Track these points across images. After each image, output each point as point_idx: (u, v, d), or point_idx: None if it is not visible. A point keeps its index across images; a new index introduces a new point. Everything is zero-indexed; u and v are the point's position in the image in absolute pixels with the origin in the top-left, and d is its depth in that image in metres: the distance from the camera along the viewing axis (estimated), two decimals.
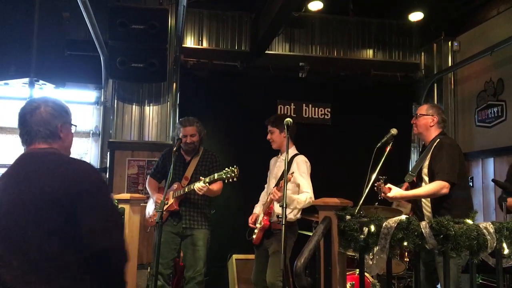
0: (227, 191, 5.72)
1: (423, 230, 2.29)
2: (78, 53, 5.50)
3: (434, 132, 3.45)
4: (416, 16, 5.87)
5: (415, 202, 3.42)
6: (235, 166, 3.93)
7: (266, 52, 5.94)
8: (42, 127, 1.96)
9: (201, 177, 3.95)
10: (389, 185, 3.15)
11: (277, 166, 4.17)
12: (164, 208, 3.98)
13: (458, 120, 6.10)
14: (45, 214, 1.76)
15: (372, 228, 2.38)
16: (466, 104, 5.97)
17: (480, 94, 5.69)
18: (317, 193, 3.72)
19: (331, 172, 5.65)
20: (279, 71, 6.04)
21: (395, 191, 3.15)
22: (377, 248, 2.38)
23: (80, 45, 5.49)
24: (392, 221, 2.36)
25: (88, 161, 5.96)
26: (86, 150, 6.01)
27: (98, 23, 4.75)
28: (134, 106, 5.70)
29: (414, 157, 6.36)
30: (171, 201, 4.05)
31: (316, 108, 6.16)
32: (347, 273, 3.26)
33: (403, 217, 2.39)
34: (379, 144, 3.15)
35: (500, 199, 3.38)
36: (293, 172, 3.77)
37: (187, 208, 4.09)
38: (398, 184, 3.27)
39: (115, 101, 5.66)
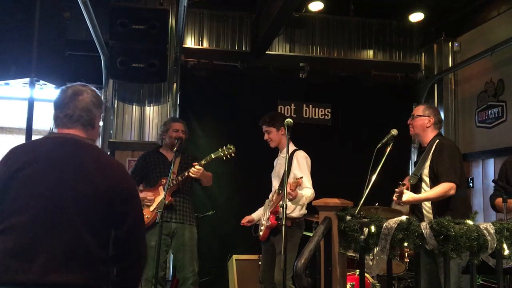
0: (227, 192, 5.74)
1: (423, 231, 2.29)
2: (79, 53, 5.50)
3: (431, 133, 3.46)
4: (416, 17, 5.87)
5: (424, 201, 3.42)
6: (230, 144, 3.97)
7: (267, 52, 5.94)
8: (84, 113, 1.97)
9: (194, 163, 4.00)
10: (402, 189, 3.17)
11: (278, 164, 4.18)
12: (157, 204, 3.96)
13: (458, 120, 6.09)
14: (88, 206, 1.78)
15: (373, 228, 2.39)
16: (467, 104, 5.97)
17: (480, 94, 5.69)
18: (317, 194, 3.72)
19: (331, 173, 5.65)
20: (279, 72, 6.03)
21: (407, 195, 3.16)
22: (377, 248, 2.38)
23: (80, 45, 5.49)
24: (392, 222, 2.36)
25: None
26: None
27: (98, 23, 4.75)
28: (134, 106, 5.70)
29: (414, 158, 6.36)
30: (163, 194, 4.00)
31: (317, 109, 6.16)
32: (347, 274, 3.26)
33: (404, 217, 2.39)
34: (379, 145, 3.14)
35: (492, 198, 3.43)
36: (301, 177, 3.73)
37: (180, 199, 4.10)
38: (396, 184, 3.27)
39: (116, 101, 5.66)
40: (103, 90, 5.73)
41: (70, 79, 5.28)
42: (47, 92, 5.07)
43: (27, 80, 3.76)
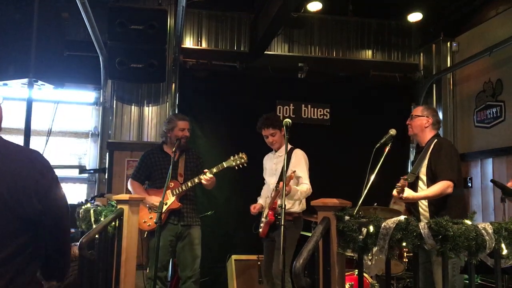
0: (226, 192, 5.74)
1: (422, 231, 2.29)
2: (77, 54, 5.50)
3: (429, 134, 3.51)
4: (415, 17, 5.87)
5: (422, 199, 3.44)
6: (242, 152, 3.94)
7: (265, 52, 5.94)
8: None
9: (205, 170, 3.98)
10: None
11: (275, 163, 4.24)
12: (166, 208, 3.98)
13: (457, 120, 6.10)
14: (15, 198, 1.64)
15: (371, 228, 2.39)
16: (465, 104, 5.97)
17: (479, 94, 5.70)
18: (316, 194, 3.73)
19: (330, 173, 5.65)
20: (278, 72, 6.04)
21: (407, 192, 3.19)
22: (376, 248, 2.38)
23: (79, 46, 5.48)
24: (391, 222, 2.36)
25: (87, 161, 5.96)
26: (85, 151, 6.01)
27: (97, 23, 4.75)
28: (133, 107, 5.69)
29: (412, 158, 6.36)
30: (171, 199, 4.04)
31: (315, 109, 6.17)
32: (346, 274, 3.27)
33: (402, 217, 2.39)
34: (378, 145, 3.15)
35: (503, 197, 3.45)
36: (294, 171, 3.86)
37: (187, 204, 4.12)
38: (394, 183, 3.28)
39: (114, 101, 5.66)
40: (101, 90, 5.74)
41: (68, 79, 5.30)
42: (46, 93, 5.07)
43: (25, 80, 3.76)
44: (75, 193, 5.83)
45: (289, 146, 4.06)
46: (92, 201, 4.45)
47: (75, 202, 5.00)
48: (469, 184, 5.68)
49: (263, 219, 4.17)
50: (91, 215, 3.67)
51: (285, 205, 2.96)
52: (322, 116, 6.18)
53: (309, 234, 2.44)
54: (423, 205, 3.36)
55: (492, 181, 3.98)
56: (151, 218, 4.09)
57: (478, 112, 5.70)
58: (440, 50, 6.19)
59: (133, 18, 4.98)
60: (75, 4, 4.24)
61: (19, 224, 1.65)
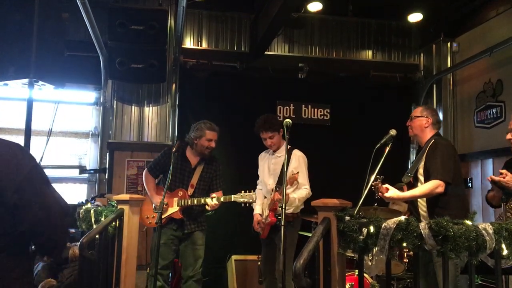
0: (226, 192, 5.72)
1: (422, 231, 2.29)
2: (78, 54, 5.50)
3: (429, 133, 3.50)
4: (415, 17, 5.87)
5: (412, 201, 3.46)
6: (253, 191, 3.96)
7: (266, 53, 5.94)
8: None
9: (213, 195, 3.97)
10: (386, 185, 3.16)
11: (273, 163, 4.24)
12: (167, 215, 3.99)
13: (457, 121, 6.10)
14: None
15: (371, 229, 2.39)
16: (465, 105, 5.97)
17: (479, 95, 5.70)
18: (316, 194, 3.73)
19: (330, 173, 5.66)
20: (278, 72, 6.04)
21: (392, 192, 3.16)
22: (376, 249, 2.38)
23: (79, 46, 5.49)
24: (391, 222, 2.36)
25: (87, 162, 5.97)
26: (85, 151, 6.01)
27: (97, 23, 4.75)
28: (133, 107, 5.69)
29: (413, 158, 6.36)
30: (175, 208, 4.04)
31: (316, 109, 6.17)
32: (346, 274, 3.26)
33: (402, 218, 2.39)
34: (378, 145, 3.15)
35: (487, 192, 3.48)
36: (298, 172, 3.86)
37: (190, 216, 4.12)
38: (395, 184, 3.28)
39: (115, 101, 5.66)
40: (102, 90, 5.74)
41: (69, 79, 5.29)
42: (46, 93, 5.06)
43: (26, 80, 3.76)
44: (75, 193, 5.84)
45: (288, 146, 4.06)
46: (93, 201, 4.45)
47: (76, 202, 5.01)
48: (469, 185, 5.68)
49: (263, 220, 4.17)
50: (91, 215, 3.67)
51: (285, 206, 2.96)
52: (322, 117, 6.18)
53: (309, 235, 2.44)
54: (423, 206, 3.35)
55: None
56: (153, 217, 4.10)
57: (478, 112, 5.70)
58: (441, 50, 6.19)
59: (134, 18, 4.97)
60: (76, 4, 4.24)
61: None
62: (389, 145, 3.16)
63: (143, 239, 4.79)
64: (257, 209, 4.25)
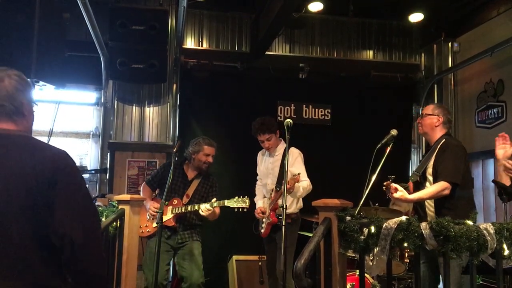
0: (226, 193, 5.73)
1: (423, 231, 2.29)
2: (78, 54, 5.50)
3: (439, 133, 3.45)
4: (416, 17, 5.87)
5: (419, 202, 3.41)
6: (246, 197, 3.96)
7: (266, 53, 5.94)
8: (7, 102, 1.71)
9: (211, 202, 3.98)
10: (396, 185, 3.15)
11: (271, 162, 4.27)
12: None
13: (458, 121, 6.09)
14: (21, 204, 1.56)
15: (372, 229, 2.39)
16: (466, 105, 5.97)
17: (480, 95, 5.69)
18: (317, 194, 3.72)
19: (331, 173, 5.65)
20: (279, 72, 6.04)
21: (400, 193, 3.14)
22: (377, 249, 2.38)
23: (80, 46, 5.49)
24: (392, 222, 2.36)
25: (88, 162, 5.96)
26: (86, 151, 6.01)
27: (98, 24, 4.75)
28: (134, 107, 5.70)
29: (414, 158, 6.36)
30: (169, 216, 4.03)
31: (316, 109, 6.16)
32: (347, 274, 3.26)
33: (403, 218, 2.39)
34: (379, 145, 3.14)
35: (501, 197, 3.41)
36: (299, 173, 3.87)
37: (183, 225, 4.11)
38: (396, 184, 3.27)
39: (115, 102, 5.66)
40: (102, 91, 5.74)
41: (70, 80, 5.30)
42: (47, 93, 5.07)
43: None
44: None
45: (284, 146, 4.07)
46: (94, 202, 4.44)
47: None
48: None
49: (264, 220, 4.20)
50: None
51: (286, 206, 2.97)
52: (323, 117, 6.18)
53: (310, 235, 2.44)
54: (430, 205, 3.32)
55: (493, 181, 3.95)
56: (146, 226, 4.11)
57: (479, 112, 5.70)
58: (441, 50, 6.18)
59: (134, 19, 4.98)
60: (76, 5, 4.24)
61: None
62: (390, 145, 3.15)
63: (143, 239, 4.79)
64: (259, 204, 4.29)
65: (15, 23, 3.68)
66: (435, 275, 3.31)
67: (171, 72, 5.69)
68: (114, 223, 3.44)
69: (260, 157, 4.46)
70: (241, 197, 3.98)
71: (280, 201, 3.91)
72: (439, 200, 3.23)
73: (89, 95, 5.93)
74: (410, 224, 2.33)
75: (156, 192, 4.35)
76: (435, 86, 6.27)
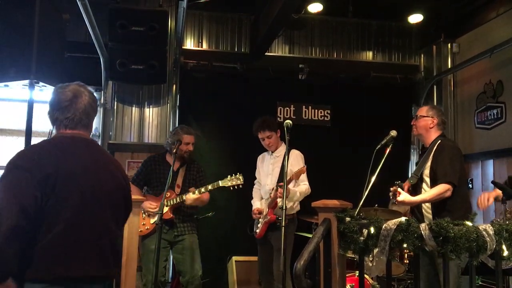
0: (226, 193, 5.73)
1: (422, 232, 2.30)
2: (78, 55, 5.49)
3: (434, 134, 3.46)
4: (415, 18, 5.87)
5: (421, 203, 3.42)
6: (239, 173, 3.96)
7: (266, 54, 5.94)
8: (84, 116, 2.13)
9: (191, 188, 4.01)
10: (400, 190, 3.17)
11: (271, 163, 4.28)
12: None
13: (457, 122, 6.10)
14: (115, 198, 2.09)
15: (372, 230, 2.39)
16: (466, 106, 5.97)
17: (479, 96, 5.70)
18: (317, 195, 3.73)
19: (330, 174, 5.65)
20: (278, 73, 6.04)
21: (403, 196, 3.16)
22: (376, 250, 2.38)
23: (80, 47, 5.48)
24: (391, 223, 2.36)
25: None
26: None
27: (98, 25, 4.75)
28: (134, 108, 5.70)
29: (413, 159, 6.36)
30: (165, 209, 4.03)
31: (316, 110, 6.17)
32: (347, 275, 3.26)
33: (403, 219, 2.39)
34: (378, 146, 3.15)
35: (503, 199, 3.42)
36: (305, 166, 3.96)
37: (181, 216, 4.12)
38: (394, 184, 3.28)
39: (115, 102, 5.66)
40: (102, 91, 5.73)
41: (69, 80, 5.25)
42: (47, 94, 5.06)
43: (26, 81, 3.75)
44: None
45: (285, 147, 4.08)
46: None
47: None
48: (470, 186, 5.67)
49: (261, 220, 4.18)
50: None
51: (286, 206, 2.96)
52: (322, 118, 6.18)
53: (310, 236, 2.44)
54: (426, 207, 3.32)
55: (493, 182, 3.96)
56: (143, 224, 4.10)
57: (478, 113, 5.70)
58: (441, 51, 6.19)
59: (134, 20, 4.97)
60: (76, 6, 4.24)
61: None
62: (390, 146, 3.16)
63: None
64: (256, 204, 4.29)
65: (15, 23, 3.68)
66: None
67: (171, 73, 5.69)
68: None
69: (260, 161, 4.47)
70: (233, 175, 3.98)
71: (279, 201, 3.91)
72: (436, 201, 3.24)
73: None
74: (410, 225, 2.33)
75: (144, 189, 4.35)
76: (435, 87, 6.27)
